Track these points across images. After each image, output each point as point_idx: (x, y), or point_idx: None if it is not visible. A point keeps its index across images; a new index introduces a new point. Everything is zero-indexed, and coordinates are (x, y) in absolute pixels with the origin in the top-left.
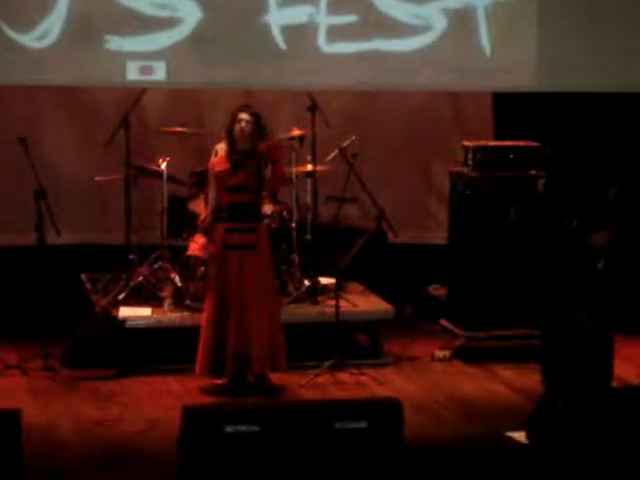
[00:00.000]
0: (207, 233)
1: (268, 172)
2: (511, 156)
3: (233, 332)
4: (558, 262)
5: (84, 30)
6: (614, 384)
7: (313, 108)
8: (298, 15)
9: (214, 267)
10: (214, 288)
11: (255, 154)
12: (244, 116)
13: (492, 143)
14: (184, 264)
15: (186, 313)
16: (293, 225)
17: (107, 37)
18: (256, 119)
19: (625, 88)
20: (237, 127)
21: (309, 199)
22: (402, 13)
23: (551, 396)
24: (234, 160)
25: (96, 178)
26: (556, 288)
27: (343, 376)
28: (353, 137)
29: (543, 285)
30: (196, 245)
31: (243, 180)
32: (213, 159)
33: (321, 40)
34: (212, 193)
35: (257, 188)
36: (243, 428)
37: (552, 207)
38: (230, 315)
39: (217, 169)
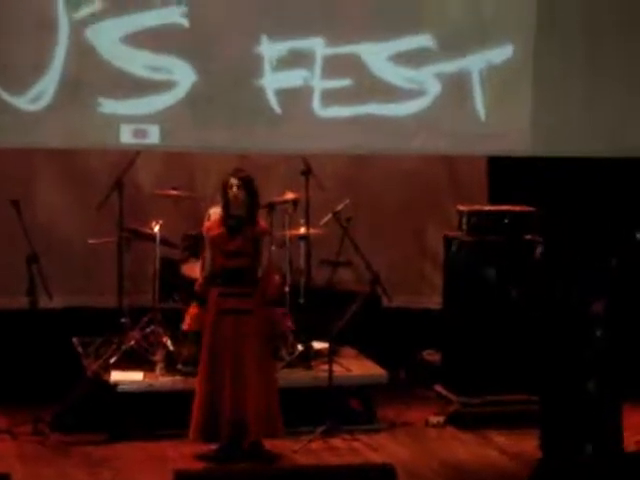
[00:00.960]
0: (203, 301)
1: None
2: (506, 221)
3: (229, 398)
4: (556, 329)
5: (78, 93)
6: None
7: (307, 172)
8: (293, 79)
9: (208, 332)
10: (208, 353)
11: (252, 221)
12: (234, 181)
13: (487, 207)
14: (176, 328)
15: (178, 377)
16: (286, 289)
17: (101, 100)
18: (246, 184)
19: (621, 153)
20: (230, 193)
21: (302, 263)
22: (396, 77)
23: (549, 462)
24: (230, 225)
25: (89, 241)
26: (557, 355)
27: (336, 442)
28: (347, 201)
29: (542, 352)
30: (190, 319)
31: (240, 245)
32: (207, 223)
33: (316, 104)
34: (208, 257)
35: (253, 253)
36: None
37: (550, 274)
38: (225, 380)
39: (212, 233)
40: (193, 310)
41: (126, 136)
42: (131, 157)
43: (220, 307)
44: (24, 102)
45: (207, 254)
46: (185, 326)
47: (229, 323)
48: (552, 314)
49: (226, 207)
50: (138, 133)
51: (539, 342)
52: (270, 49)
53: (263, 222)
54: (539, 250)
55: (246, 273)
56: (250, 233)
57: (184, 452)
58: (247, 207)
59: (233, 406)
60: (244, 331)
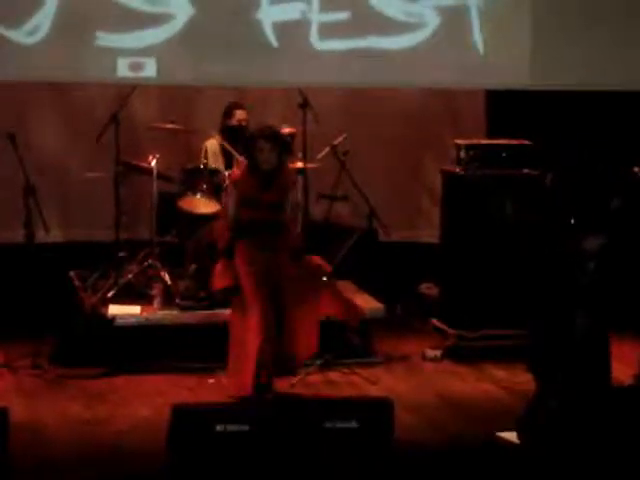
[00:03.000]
0: (231, 255)
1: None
2: (504, 154)
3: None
4: (551, 260)
5: (74, 26)
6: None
7: (304, 105)
8: (290, 11)
9: (247, 280)
10: (255, 296)
11: (282, 171)
12: (265, 144)
13: (485, 141)
14: (174, 262)
15: (176, 312)
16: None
17: (97, 33)
18: (276, 142)
19: (621, 86)
20: (261, 157)
21: (300, 197)
22: (395, 10)
23: (543, 396)
24: (262, 180)
25: (86, 174)
26: (548, 287)
27: (334, 375)
28: (345, 135)
29: (534, 283)
30: (218, 276)
31: (273, 198)
32: (234, 172)
33: (313, 37)
34: (233, 209)
35: (283, 204)
36: (233, 427)
37: (557, 204)
38: (274, 319)
39: (242, 187)
40: (221, 267)
41: (123, 69)
42: (127, 91)
43: (251, 258)
44: (20, 35)
45: (231, 205)
46: (215, 285)
47: (262, 261)
48: (550, 244)
49: (255, 166)
50: (134, 66)
51: (531, 274)
52: None
53: (290, 168)
54: (550, 177)
55: (274, 224)
56: (282, 183)
57: (181, 386)
58: (278, 161)
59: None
60: (284, 273)
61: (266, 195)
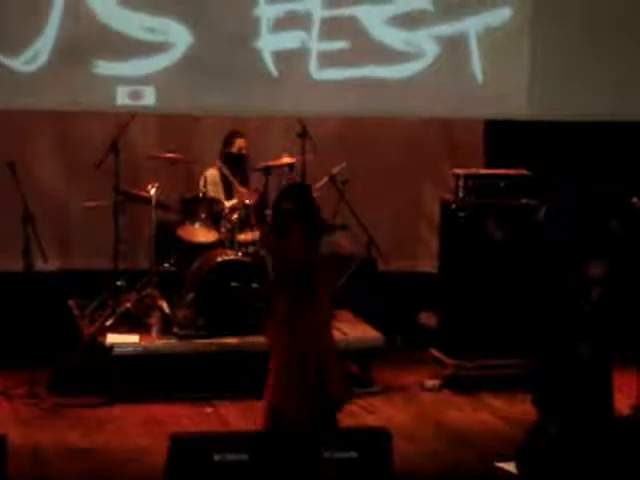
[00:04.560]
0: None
1: None
2: (502, 184)
3: None
4: (553, 291)
5: (73, 54)
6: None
7: (303, 134)
8: (290, 41)
9: None
10: None
11: None
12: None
13: (483, 171)
14: (172, 291)
15: (174, 340)
16: None
17: (97, 62)
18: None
19: (618, 117)
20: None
21: None
22: (394, 39)
23: (544, 424)
24: None
25: (85, 204)
26: (551, 317)
27: None
28: (343, 164)
29: (536, 314)
30: None
31: None
32: None
33: (313, 66)
34: None
35: None
36: (231, 457)
37: (552, 236)
38: None
39: None
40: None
41: (122, 98)
42: (127, 119)
43: None
44: (19, 64)
45: None
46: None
47: None
48: (549, 277)
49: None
50: (134, 95)
51: (533, 305)
52: (267, 10)
53: None
54: (543, 210)
55: None
56: None
57: (180, 415)
58: None
59: None
60: None
61: None
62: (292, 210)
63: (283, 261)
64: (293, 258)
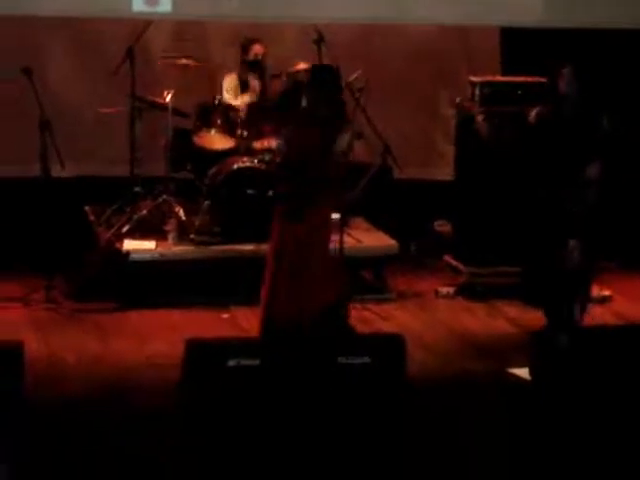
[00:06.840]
0: None
1: None
2: (519, 92)
3: None
4: (546, 194)
5: None
6: (618, 322)
7: (319, 41)
8: None
9: None
10: None
11: None
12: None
13: (499, 78)
14: (188, 198)
15: (190, 247)
16: None
17: None
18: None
19: (637, 24)
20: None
21: None
22: None
23: (553, 331)
24: None
25: (101, 110)
26: (542, 218)
27: None
28: (359, 71)
29: (530, 219)
30: None
31: None
32: None
33: None
34: None
35: None
36: (245, 362)
37: (543, 138)
38: None
39: None
40: None
41: (138, 4)
42: (143, 25)
43: None
44: None
45: None
46: None
47: None
48: (545, 179)
49: None
50: (150, 1)
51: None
52: None
53: None
54: (533, 113)
55: None
56: None
57: (195, 321)
58: None
59: None
60: None
61: None
62: (318, 95)
63: (296, 149)
64: (306, 148)
